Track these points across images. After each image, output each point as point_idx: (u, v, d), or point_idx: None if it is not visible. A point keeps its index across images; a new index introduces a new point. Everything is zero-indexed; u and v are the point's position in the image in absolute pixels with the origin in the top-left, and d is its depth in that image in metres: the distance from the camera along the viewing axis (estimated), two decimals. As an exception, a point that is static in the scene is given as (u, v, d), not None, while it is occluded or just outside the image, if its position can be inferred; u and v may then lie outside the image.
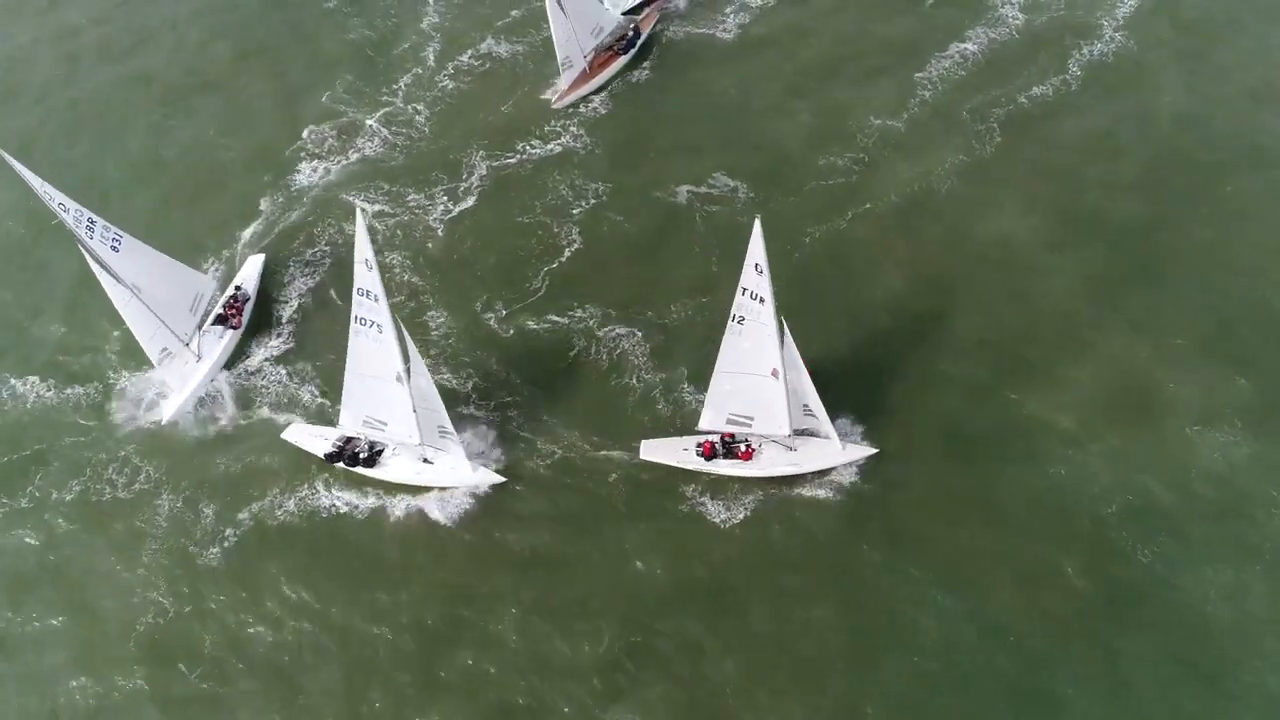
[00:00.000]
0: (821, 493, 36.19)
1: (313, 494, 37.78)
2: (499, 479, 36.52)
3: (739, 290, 32.54)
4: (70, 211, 36.05)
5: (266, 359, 42.29)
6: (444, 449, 36.21)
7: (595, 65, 51.35)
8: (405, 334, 32.90)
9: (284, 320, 43.61)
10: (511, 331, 42.00)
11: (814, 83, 49.85)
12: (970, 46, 50.15)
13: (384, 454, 37.36)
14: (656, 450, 37.17)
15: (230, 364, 41.97)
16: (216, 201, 48.67)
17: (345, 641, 34.73)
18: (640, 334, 41.15)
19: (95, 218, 36.99)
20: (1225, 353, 38.20)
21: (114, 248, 37.51)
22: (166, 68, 56.11)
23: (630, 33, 52.26)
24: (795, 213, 44.41)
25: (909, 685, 32.17)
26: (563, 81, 50.68)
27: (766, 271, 31.30)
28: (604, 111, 50.18)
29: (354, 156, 49.55)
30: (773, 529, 35.73)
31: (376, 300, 31.68)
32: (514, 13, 54.88)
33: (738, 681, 32.71)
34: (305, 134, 50.58)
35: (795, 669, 32.86)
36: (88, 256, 37.31)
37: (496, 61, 53.09)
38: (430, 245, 45.51)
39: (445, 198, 47.10)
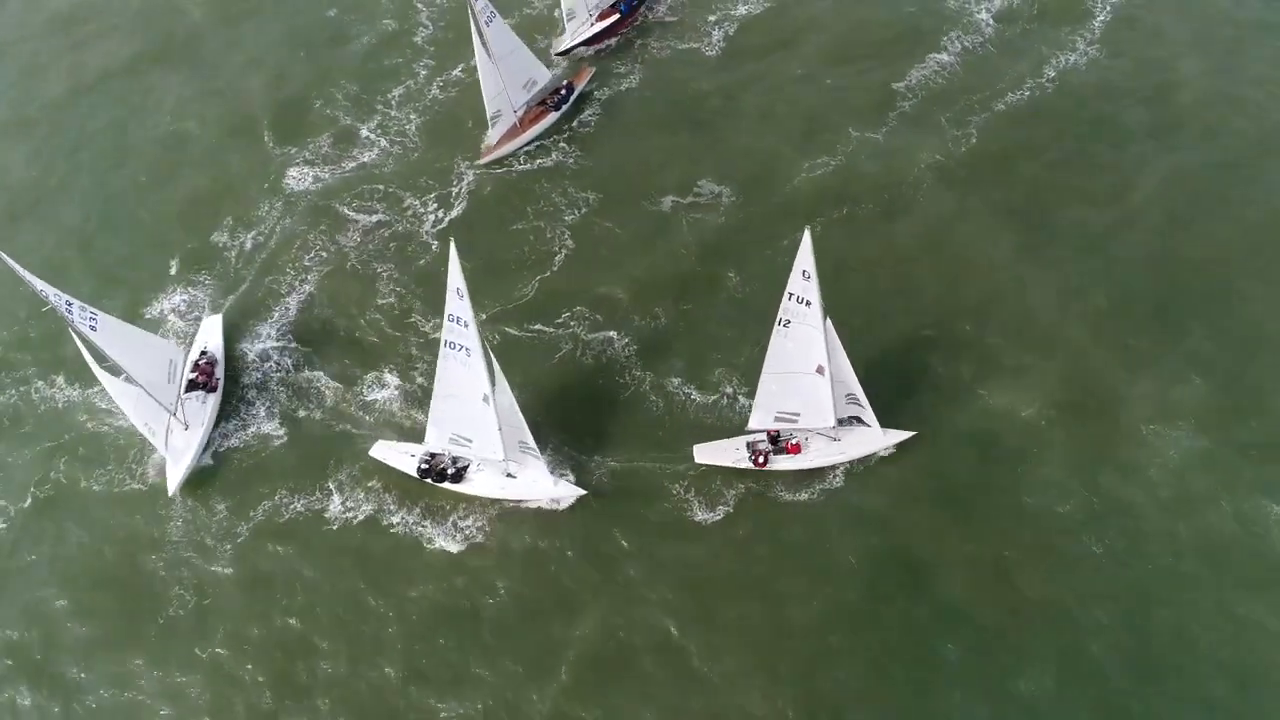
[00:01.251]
0: (804, 496, 38.07)
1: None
2: (580, 491, 37.69)
3: (785, 295, 34.35)
4: (56, 298, 35.76)
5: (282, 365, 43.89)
6: (525, 463, 37.55)
7: (526, 120, 50.76)
8: (492, 356, 34.37)
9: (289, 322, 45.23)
10: (497, 339, 43.37)
11: (795, 92, 51.28)
12: (945, 56, 51.66)
13: (469, 469, 38.67)
14: (710, 453, 38.67)
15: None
16: (212, 210, 49.85)
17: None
18: (629, 337, 42.75)
19: (72, 300, 36.63)
20: (1182, 353, 40.04)
21: (91, 327, 37.09)
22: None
23: (563, 89, 51.84)
24: (776, 218, 45.98)
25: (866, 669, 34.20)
26: (492, 135, 49.98)
27: (815, 277, 33.16)
28: (592, 122, 51.38)
29: (349, 165, 50.86)
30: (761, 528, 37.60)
31: (466, 326, 33.24)
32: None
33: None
34: (303, 141, 52.01)
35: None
36: (81, 347, 38.51)
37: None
38: (422, 253, 46.99)
39: (436, 205, 48.56)
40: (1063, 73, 50.36)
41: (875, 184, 46.81)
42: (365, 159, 51.00)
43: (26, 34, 61.31)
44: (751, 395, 40.12)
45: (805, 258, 32.85)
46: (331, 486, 39.91)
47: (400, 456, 39.21)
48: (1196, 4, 52.71)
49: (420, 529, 38.46)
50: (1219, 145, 46.95)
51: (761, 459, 38.15)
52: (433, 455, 38.67)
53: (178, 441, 40.27)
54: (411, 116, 52.47)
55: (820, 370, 35.77)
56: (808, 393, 36.61)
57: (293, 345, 44.47)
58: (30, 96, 57.37)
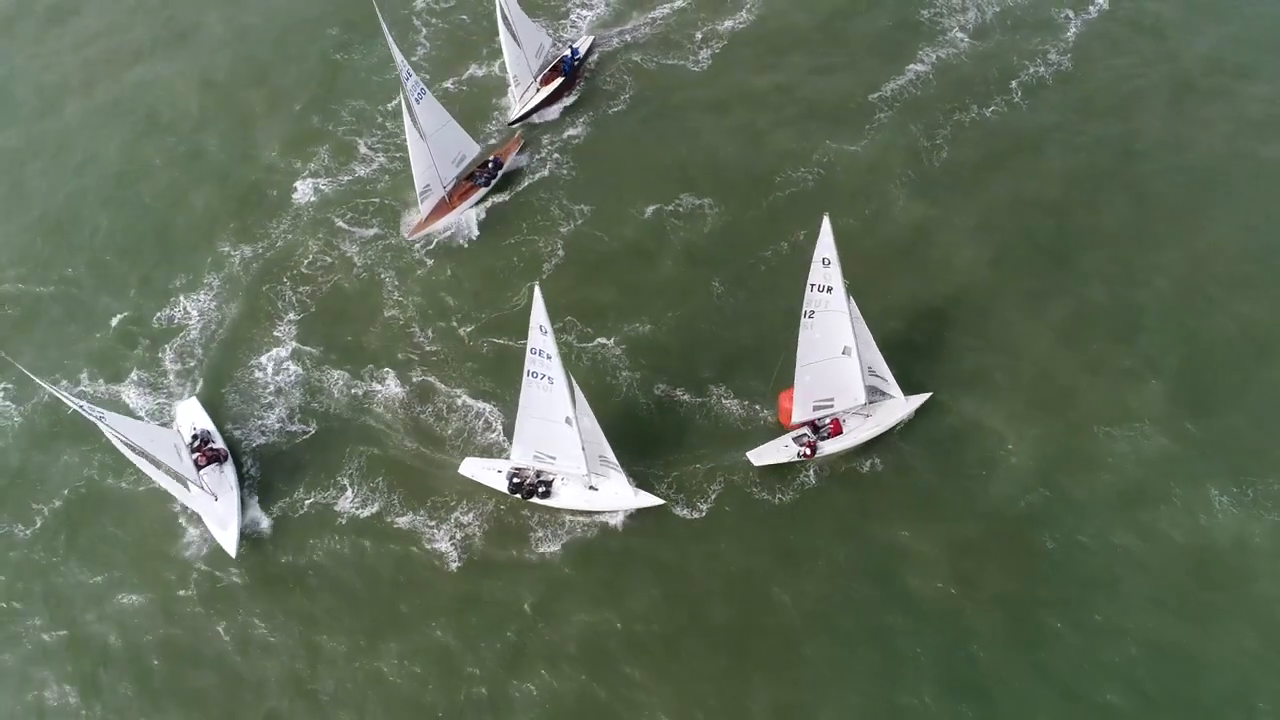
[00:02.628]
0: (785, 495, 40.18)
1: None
2: (658, 500, 39.54)
3: (807, 287, 36.22)
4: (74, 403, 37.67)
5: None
6: (607, 475, 39.58)
7: (455, 196, 50.60)
8: (574, 382, 36.55)
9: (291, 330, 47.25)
10: (486, 349, 45.57)
11: (777, 104, 53.25)
12: (921, 67, 53.74)
13: (554, 484, 40.65)
14: (765, 455, 40.36)
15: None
16: (210, 220, 52.09)
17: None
18: (622, 343, 44.79)
19: (82, 402, 37.80)
20: (1139, 356, 42.18)
21: (99, 418, 37.82)
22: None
23: (490, 164, 51.58)
24: (759, 227, 48.22)
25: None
26: (423, 210, 49.79)
27: (835, 263, 35.00)
28: (581, 139, 53.16)
29: (345, 179, 52.84)
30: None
31: (549, 359, 35.78)
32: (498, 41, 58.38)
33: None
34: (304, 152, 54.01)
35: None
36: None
37: (479, 87, 56.36)
38: (418, 264, 49.15)
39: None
40: (1032, 84, 52.37)
41: (852, 193, 48.90)
42: (362, 173, 52.88)
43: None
44: (738, 396, 42.75)
45: (825, 245, 34.85)
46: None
47: (489, 473, 41.23)
48: (1164, 20, 54.74)
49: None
50: (1185, 157, 48.94)
51: (809, 451, 40.15)
52: (518, 470, 40.70)
53: (219, 511, 41.62)
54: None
55: (846, 351, 38.03)
56: (837, 376, 38.91)
57: (304, 352, 46.56)
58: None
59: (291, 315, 47.86)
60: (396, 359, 45.79)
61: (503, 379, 44.06)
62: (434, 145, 48.39)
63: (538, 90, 54.56)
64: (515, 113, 54.33)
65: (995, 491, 39.24)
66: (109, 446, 41.36)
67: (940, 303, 44.69)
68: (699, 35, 56.43)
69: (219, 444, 43.62)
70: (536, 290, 34.20)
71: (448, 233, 50.15)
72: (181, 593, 40.26)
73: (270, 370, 45.95)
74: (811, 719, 35.22)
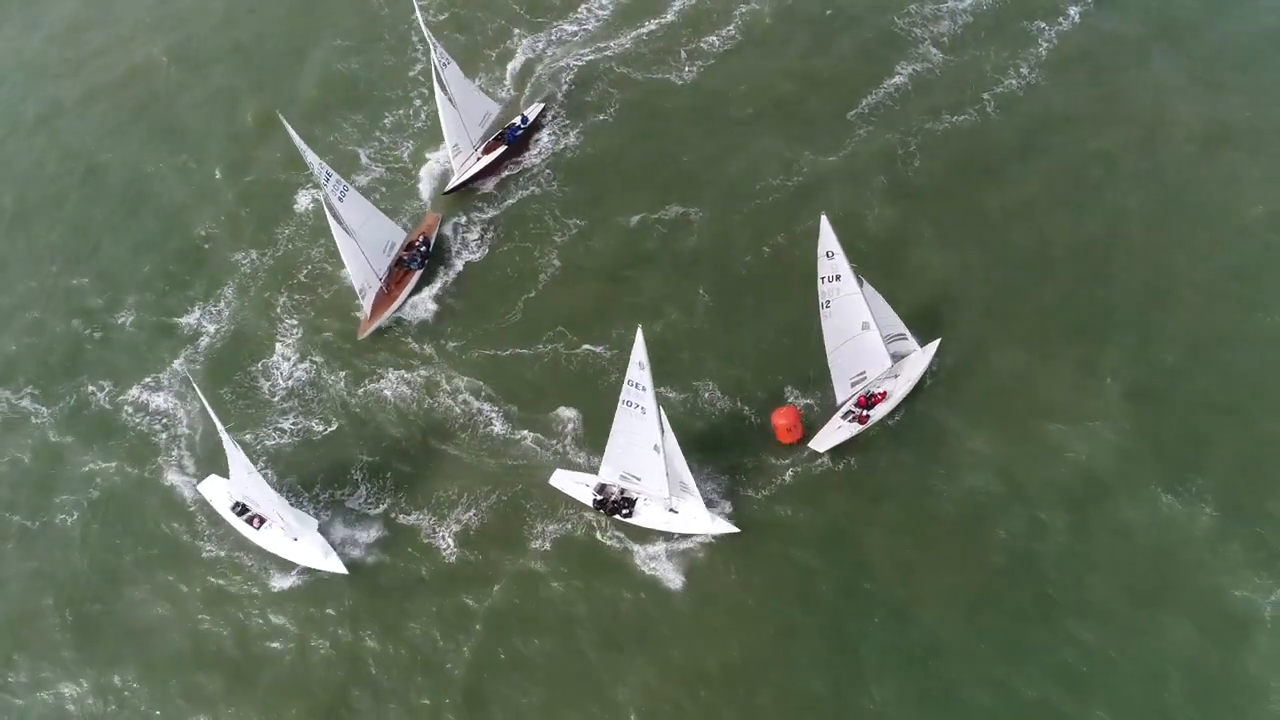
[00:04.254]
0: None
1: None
2: (734, 528, 41.20)
3: (819, 281, 39.48)
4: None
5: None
6: (686, 500, 41.47)
7: (393, 284, 49.66)
8: (662, 413, 38.61)
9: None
10: (478, 355, 48.35)
11: (759, 116, 55.54)
12: (898, 79, 55.95)
13: (637, 504, 42.53)
14: (826, 439, 43.01)
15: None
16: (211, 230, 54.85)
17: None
18: (614, 349, 47.33)
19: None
20: (1096, 358, 44.67)
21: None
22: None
23: (419, 244, 50.74)
24: (741, 234, 50.74)
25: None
26: (365, 308, 48.58)
27: (839, 254, 38.40)
28: (570, 152, 55.39)
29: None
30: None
31: (644, 390, 37.67)
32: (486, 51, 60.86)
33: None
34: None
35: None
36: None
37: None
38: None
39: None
40: (1004, 96, 54.64)
41: (829, 201, 50.48)
42: (361, 182, 55.14)
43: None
44: (725, 395, 45.41)
45: (827, 240, 38.09)
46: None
47: (577, 486, 43.23)
48: (1134, 34, 56.74)
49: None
50: (1156, 167, 51.01)
51: (861, 422, 43.13)
52: (603, 487, 42.74)
53: (304, 547, 42.48)
54: (405, 143, 56.97)
55: (866, 326, 41.14)
56: (862, 351, 41.94)
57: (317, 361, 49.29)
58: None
59: (291, 321, 50.54)
60: (397, 364, 48.56)
61: (500, 380, 47.08)
62: (363, 241, 47.15)
63: (478, 159, 53.36)
64: (452, 182, 53.08)
65: (954, 487, 41.86)
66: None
67: (910, 304, 46.59)
68: (684, 52, 58.59)
69: (267, 508, 43.24)
70: (639, 332, 36.16)
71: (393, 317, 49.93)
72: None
73: (276, 376, 48.74)
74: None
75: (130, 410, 48.86)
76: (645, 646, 39.92)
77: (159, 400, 49.01)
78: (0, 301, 54.64)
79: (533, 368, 47.74)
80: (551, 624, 40.92)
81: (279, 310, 51.06)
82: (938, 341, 44.55)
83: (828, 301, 40.34)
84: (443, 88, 50.26)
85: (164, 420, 48.43)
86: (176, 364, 49.87)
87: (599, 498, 42.72)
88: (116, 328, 52.19)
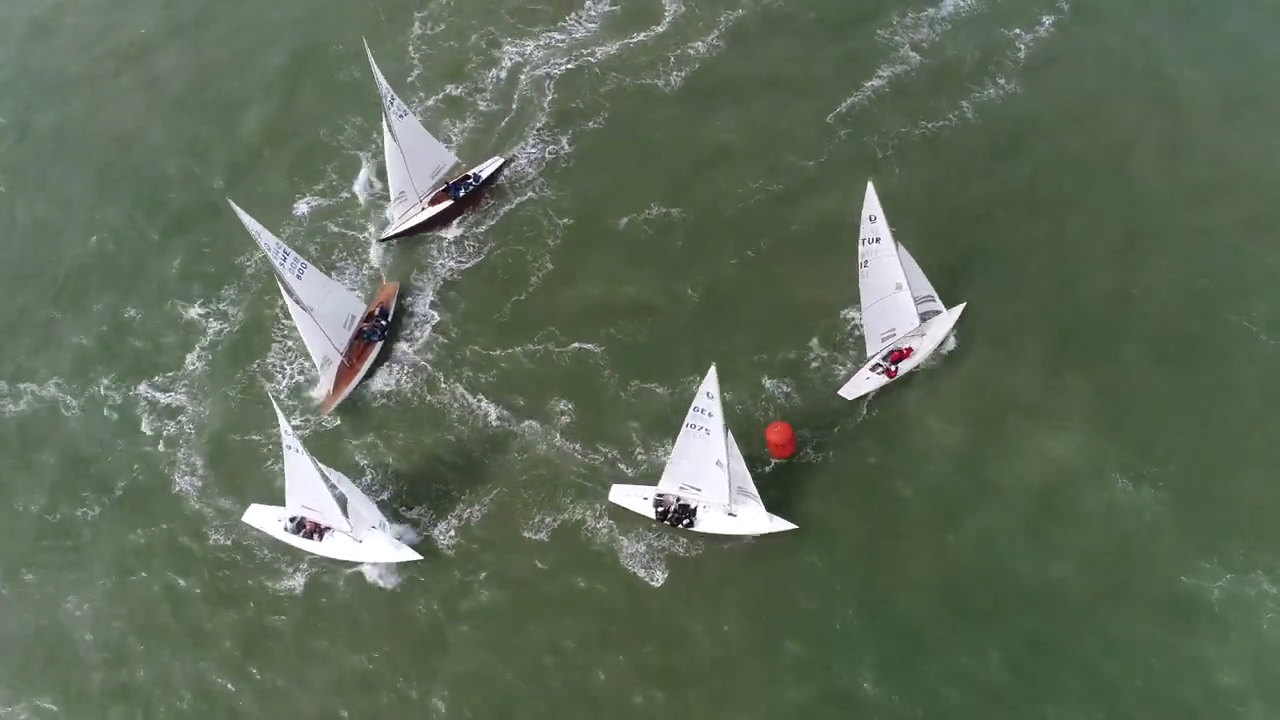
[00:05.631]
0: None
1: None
2: (791, 525, 42.48)
3: (860, 242, 42.15)
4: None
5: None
6: (744, 504, 42.96)
7: (354, 358, 48.81)
8: (729, 432, 40.22)
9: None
10: (471, 355, 50.37)
11: (741, 122, 57.30)
12: (877, 82, 57.77)
13: (698, 512, 43.85)
14: (855, 387, 45.75)
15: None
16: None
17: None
18: (604, 348, 49.59)
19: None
20: (1065, 358, 46.76)
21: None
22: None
23: (377, 315, 50.06)
24: (725, 237, 52.81)
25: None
26: (324, 383, 48.07)
27: (880, 218, 41.24)
28: (560, 155, 57.28)
29: (345, 195, 57.17)
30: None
31: (710, 416, 39.32)
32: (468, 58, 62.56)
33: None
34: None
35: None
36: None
37: (462, 105, 60.22)
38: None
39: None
40: (982, 100, 56.43)
41: (808, 205, 53.37)
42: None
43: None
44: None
45: (871, 205, 41.17)
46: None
47: (636, 500, 44.24)
48: (1111, 41, 58.39)
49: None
50: (1130, 172, 52.80)
51: (889, 375, 45.93)
52: (661, 497, 44.38)
53: (372, 545, 43.94)
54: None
55: (899, 287, 43.83)
56: (894, 308, 44.69)
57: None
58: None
59: (289, 322, 52.00)
60: (397, 360, 50.77)
61: (498, 379, 49.52)
62: (321, 317, 46.37)
63: (423, 208, 52.75)
64: (388, 230, 52.85)
65: (923, 479, 44.16)
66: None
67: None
68: (672, 58, 60.40)
69: (313, 516, 44.57)
70: (713, 369, 37.98)
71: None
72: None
73: (278, 376, 50.96)
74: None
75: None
76: (622, 639, 42.42)
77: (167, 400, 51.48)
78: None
79: (526, 364, 50.01)
80: (545, 612, 43.53)
81: (278, 309, 53.07)
82: (963, 306, 47.24)
83: (866, 261, 43.09)
84: (393, 136, 49.66)
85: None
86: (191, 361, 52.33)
87: (660, 509, 44.08)
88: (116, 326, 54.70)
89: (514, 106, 59.51)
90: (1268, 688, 37.91)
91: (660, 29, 61.81)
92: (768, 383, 47.58)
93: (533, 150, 57.55)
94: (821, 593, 42.13)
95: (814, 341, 48.45)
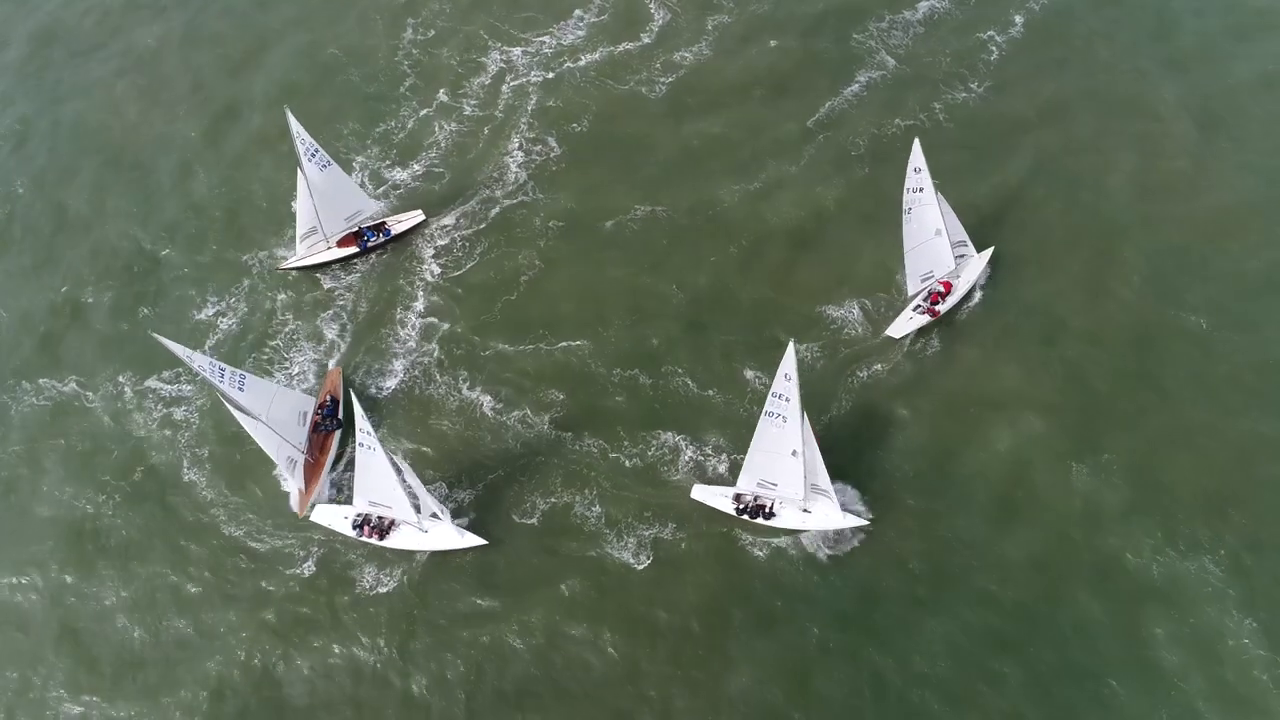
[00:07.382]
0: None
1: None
2: (863, 521, 43.81)
3: (905, 191, 46.68)
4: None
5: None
6: (818, 500, 44.36)
7: (317, 452, 48.42)
8: (807, 421, 41.52)
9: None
10: (464, 351, 52.62)
11: (724, 126, 59.53)
12: (855, 87, 60.15)
13: (772, 507, 45.36)
14: (900, 326, 49.20)
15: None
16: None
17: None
18: (593, 344, 51.84)
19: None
20: (1047, 357, 49.25)
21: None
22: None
23: (329, 403, 49.69)
24: (708, 237, 55.14)
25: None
26: (292, 487, 47.28)
27: (924, 170, 45.69)
28: (550, 158, 59.28)
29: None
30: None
31: (788, 401, 40.45)
32: (461, 63, 64.55)
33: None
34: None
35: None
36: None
37: (461, 117, 62.12)
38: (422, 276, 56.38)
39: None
40: (954, 101, 58.87)
41: (788, 203, 55.69)
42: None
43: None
44: (696, 381, 49.79)
45: (916, 158, 45.88)
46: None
47: (718, 498, 45.69)
48: (1089, 43, 61.03)
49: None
50: (1101, 171, 55.21)
51: (932, 314, 49.43)
52: (738, 496, 45.63)
53: (437, 535, 45.24)
54: (396, 154, 60.85)
55: (939, 233, 47.72)
56: (933, 251, 48.56)
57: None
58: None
59: (288, 316, 54.49)
60: (398, 358, 52.94)
61: (494, 376, 51.55)
62: (274, 421, 45.39)
63: (328, 248, 54.18)
64: (290, 261, 53.79)
65: (894, 467, 46.75)
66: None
67: (864, 300, 51.78)
68: (659, 64, 62.55)
69: (380, 512, 45.55)
70: (791, 345, 39.24)
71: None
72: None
73: (277, 371, 52.99)
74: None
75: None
76: (609, 618, 44.68)
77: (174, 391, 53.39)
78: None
79: (520, 361, 52.16)
80: (541, 593, 45.72)
81: (278, 306, 55.26)
82: (991, 250, 50.84)
83: (909, 209, 47.26)
84: (303, 174, 50.38)
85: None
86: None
87: (740, 506, 45.54)
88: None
89: (500, 112, 61.72)
90: (1208, 665, 40.62)
91: (647, 38, 64.14)
92: (749, 374, 50.00)
93: (520, 154, 59.61)
94: (795, 580, 44.54)
95: (793, 334, 50.06)
